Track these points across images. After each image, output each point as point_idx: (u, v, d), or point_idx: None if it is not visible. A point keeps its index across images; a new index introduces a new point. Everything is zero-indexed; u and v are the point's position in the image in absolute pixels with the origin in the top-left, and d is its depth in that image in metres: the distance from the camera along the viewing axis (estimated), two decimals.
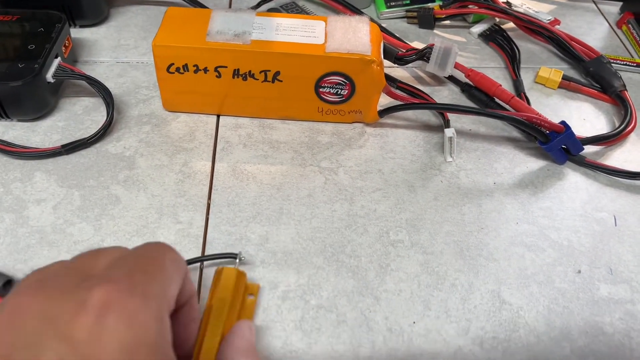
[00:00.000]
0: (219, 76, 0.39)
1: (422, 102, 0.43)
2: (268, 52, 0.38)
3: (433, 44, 0.43)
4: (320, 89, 0.40)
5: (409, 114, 0.44)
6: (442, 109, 0.42)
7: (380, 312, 0.32)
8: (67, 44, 0.43)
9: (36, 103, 0.40)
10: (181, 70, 0.39)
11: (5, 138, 0.39)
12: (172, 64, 0.39)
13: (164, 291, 0.22)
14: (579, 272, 0.35)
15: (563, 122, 0.39)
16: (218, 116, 0.42)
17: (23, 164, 0.38)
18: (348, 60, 0.38)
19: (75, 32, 0.48)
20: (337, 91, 0.40)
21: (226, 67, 0.39)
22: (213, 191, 0.37)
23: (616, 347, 0.31)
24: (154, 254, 0.23)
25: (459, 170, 0.40)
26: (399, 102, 0.42)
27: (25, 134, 0.40)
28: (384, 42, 0.42)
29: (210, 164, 0.39)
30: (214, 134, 0.41)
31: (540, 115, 0.41)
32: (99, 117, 0.42)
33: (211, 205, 0.37)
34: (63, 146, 0.38)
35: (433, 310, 0.32)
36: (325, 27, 0.40)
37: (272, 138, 0.41)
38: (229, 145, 0.41)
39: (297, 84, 0.40)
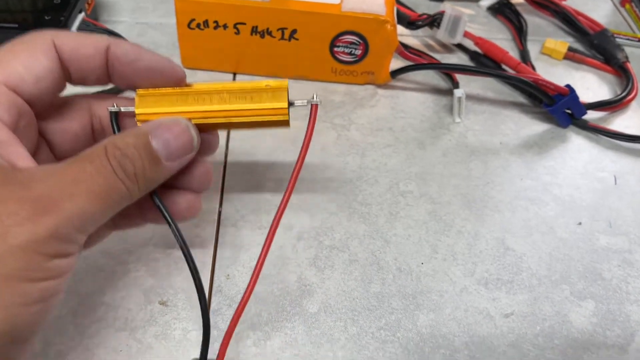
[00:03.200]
0: (238, 33, 0.41)
1: (433, 62, 0.44)
2: (286, 10, 0.39)
3: (444, 11, 0.45)
4: (335, 49, 0.41)
5: (419, 77, 0.45)
6: (453, 70, 0.44)
7: (390, 253, 0.34)
8: (89, 1, 0.45)
9: None
10: (201, 27, 0.40)
11: None
12: (193, 19, 0.40)
13: None
14: (580, 224, 0.36)
15: (568, 86, 0.41)
16: (234, 74, 0.44)
17: None
18: (363, 20, 0.40)
19: None
20: (351, 51, 0.41)
21: (245, 23, 0.40)
22: (230, 141, 0.39)
23: (613, 291, 0.33)
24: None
25: (467, 130, 0.42)
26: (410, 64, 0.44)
27: None
28: (396, 8, 0.43)
29: None
30: None
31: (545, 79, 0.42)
32: None
33: (228, 155, 0.38)
34: None
35: (440, 254, 0.34)
36: None
37: None
38: None
39: (312, 43, 0.41)
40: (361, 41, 0.41)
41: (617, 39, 0.50)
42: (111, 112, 0.25)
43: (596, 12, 0.55)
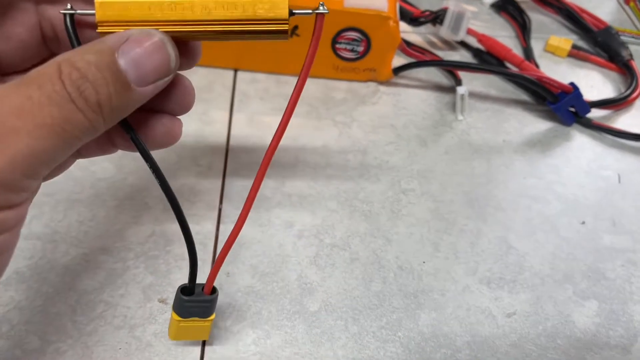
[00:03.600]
0: None
1: (435, 59, 0.44)
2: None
3: (447, 7, 0.44)
4: (337, 45, 0.41)
5: (421, 75, 0.45)
6: (456, 67, 0.43)
7: (392, 252, 0.33)
8: None
9: None
10: None
11: None
12: None
13: None
14: (584, 223, 0.36)
15: (571, 83, 0.40)
16: (235, 70, 0.44)
17: None
18: (365, 16, 0.39)
19: None
20: (353, 48, 0.41)
21: None
22: (231, 138, 0.39)
23: (617, 291, 0.33)
24: None
25: (470, 128, 0.41)
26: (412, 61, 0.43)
27: None
28: (399, 4, 0.43)
29: (228, 113, 0.40)
30: (231, 86, 0.42)
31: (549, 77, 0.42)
32: None
33: (229, 151, 0.38)
34: None
35: (442, 252, 0.33)
36: None
37: (288, 93, 0.42)
38: (246, 97, 0.42)
39: None
40: (363, 38, 0.40)
41: (622, 37, 0.49)
42: (65, 15, 0.20)
43: (600, 9, 0.55)
